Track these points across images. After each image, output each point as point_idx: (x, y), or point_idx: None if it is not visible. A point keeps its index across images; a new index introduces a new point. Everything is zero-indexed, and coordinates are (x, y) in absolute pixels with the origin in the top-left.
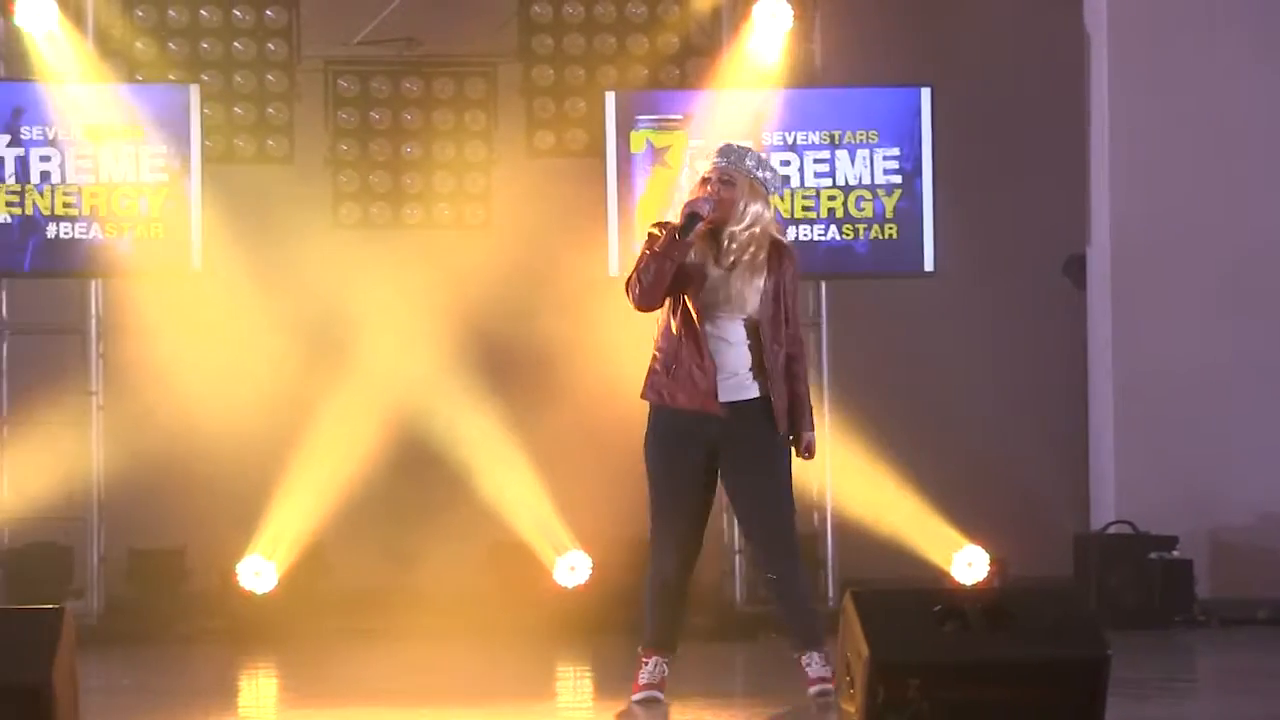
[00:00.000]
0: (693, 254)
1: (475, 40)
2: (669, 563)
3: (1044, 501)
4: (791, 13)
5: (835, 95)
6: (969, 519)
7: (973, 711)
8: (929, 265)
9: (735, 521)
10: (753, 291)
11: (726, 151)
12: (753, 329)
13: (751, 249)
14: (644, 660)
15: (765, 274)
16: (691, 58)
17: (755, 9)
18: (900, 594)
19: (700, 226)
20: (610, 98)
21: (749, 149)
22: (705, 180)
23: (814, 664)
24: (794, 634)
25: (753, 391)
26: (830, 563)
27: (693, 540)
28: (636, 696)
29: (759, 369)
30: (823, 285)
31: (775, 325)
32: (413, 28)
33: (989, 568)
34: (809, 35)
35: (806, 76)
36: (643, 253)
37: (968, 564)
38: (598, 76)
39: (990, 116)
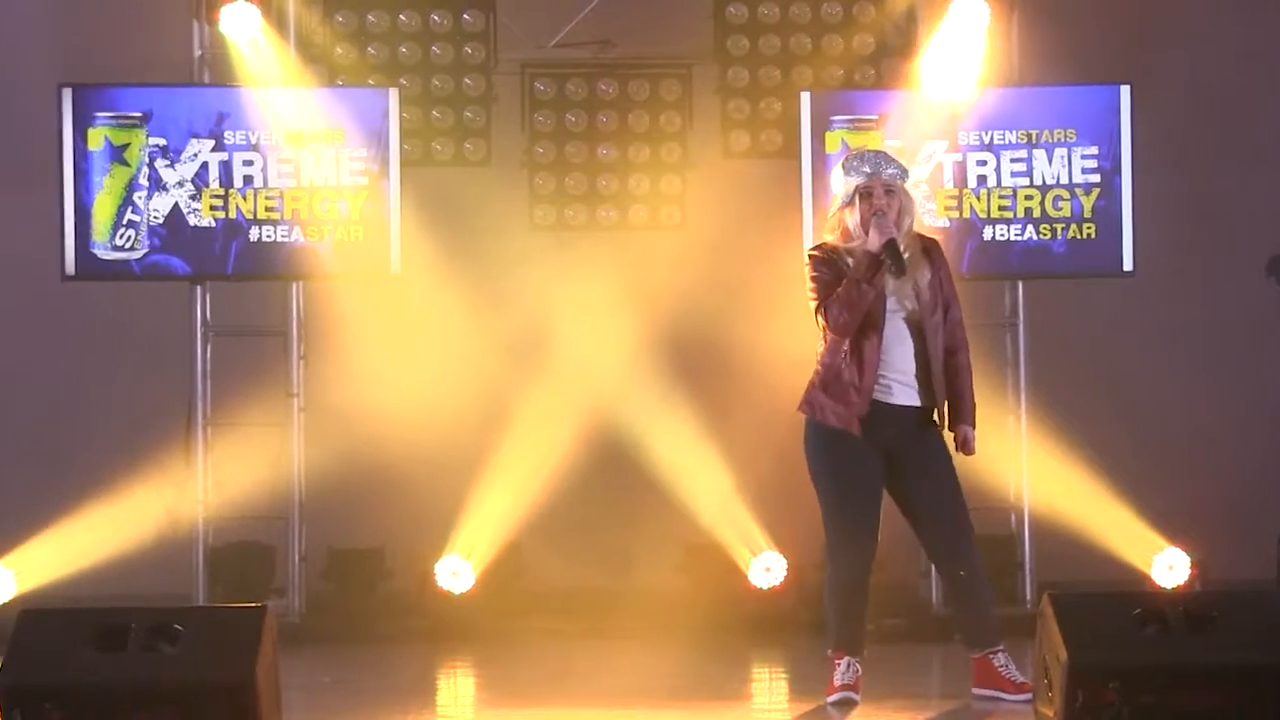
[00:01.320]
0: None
1: (670, 42)
2: (846, 565)
3: (1247, 503)
4: (988, 11)
5: (1032, 94)
6: (1170, 521)
7: (1173, 717)
8: (1128, 265)
9: None
10: (917, 290)
11: (876, 161)
12: (915, 328)
13: (911, 250)
14: (835, 662)
15: (925, 270)
16: (887, 58)
17: (952, 8)
18: (1099, 597)
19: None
20: (805, 98)
21: (882, 151)
22: (867, 194)
23: (1012, 668)
24: (980, 631)
25: (916, 398)
26: (1028, 565)
27: (867, 539)
28: (831, 698)
29: (924, 372)
30: (1019, 285)
31: (936, 320)
32: (608, 30)
33: (1190, 571)
34: (1006, 34)
35: (1003, 75)
36: (817, 279)
37: (1168, 567)
38: (793, 77)
39: (1192, 114)
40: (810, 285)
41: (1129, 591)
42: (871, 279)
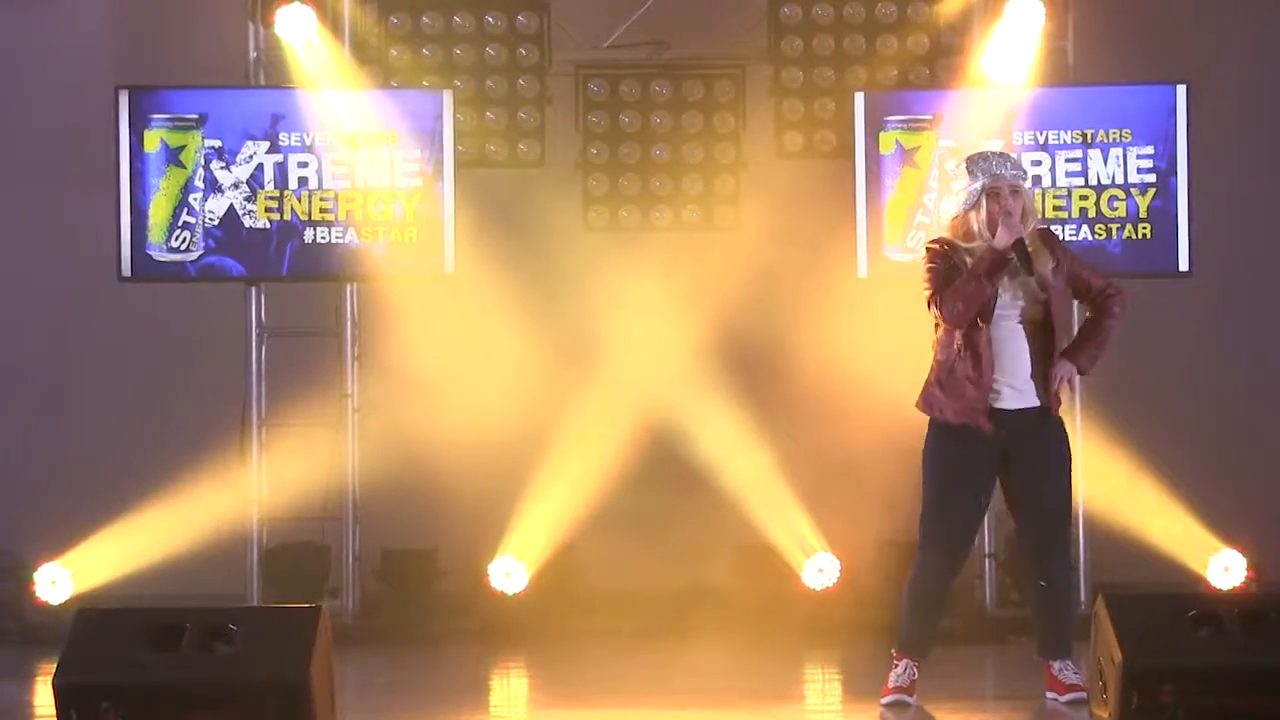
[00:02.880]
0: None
1: (724, 42)
2: (933, 569)
3: None
4: (1043, 11)
5: (1087, 94)
6: (1226, 522)
7: (1228, 719)
8: (1184, 265)
9: (988, 525)
10: (1044, 283)
11: (1002, 162)
12: (1033, 328)
13: (1034, 246)
14: (895, 663)
15: (1049, 260)
16: (941, 57)
17: (1006, 7)
18: (1155, 598)
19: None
20: (859, 98)
21: (1004, 152)
22: (994, 194)
23: (1067, 671)
24: (1050, 640)
25: (1033, 399)
26: (1083, 566)
27: (961, 547)
28: (885, 700)
29: (1040, 372)
30: None
31: (1067, 314)
32: (662, 30)
33: (1246, 573)
34: (1061, 33)
35: (1058, 75)
36: (934, 270)
37: (1224, 568)
38: (847, 77)
39: (1248, 114)
40: (925, 276)
41: (1184, 593)
42: (992, 276)
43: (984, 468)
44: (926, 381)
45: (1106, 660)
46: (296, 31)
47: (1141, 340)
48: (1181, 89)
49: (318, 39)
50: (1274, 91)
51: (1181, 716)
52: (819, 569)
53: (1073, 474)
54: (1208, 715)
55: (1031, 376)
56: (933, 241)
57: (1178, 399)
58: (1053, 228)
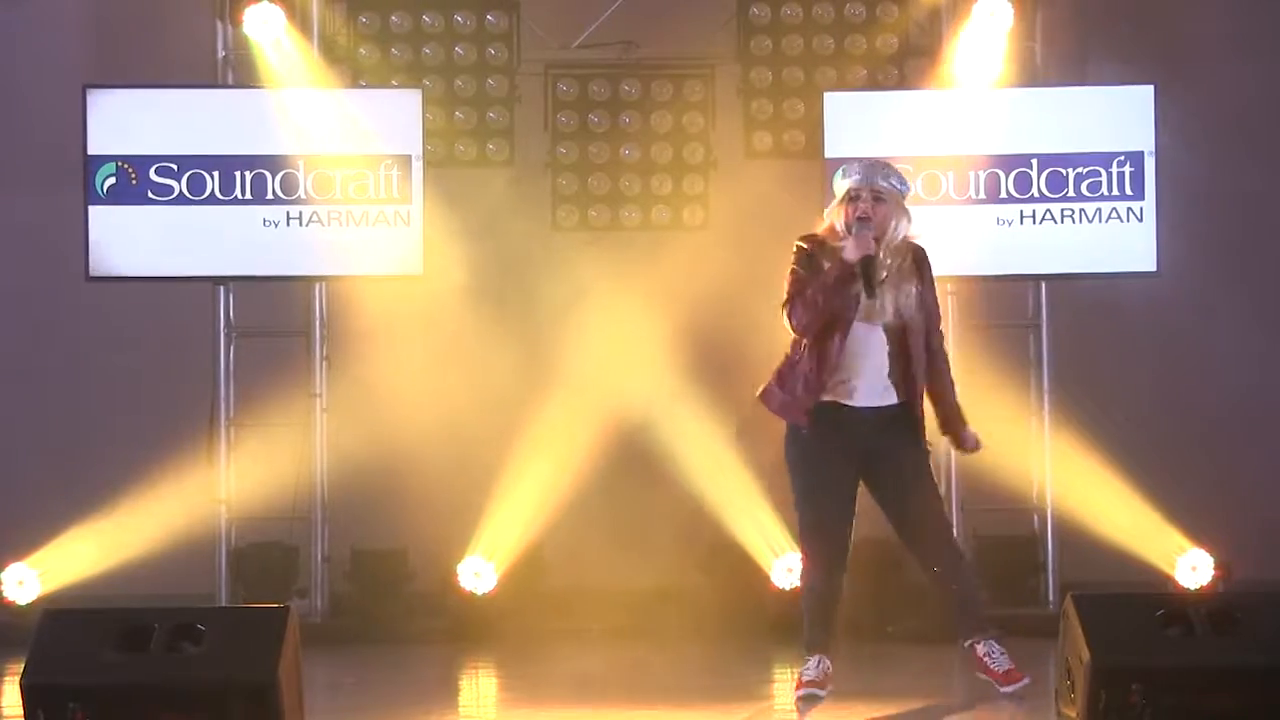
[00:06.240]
0: None
1: (693, 42)
2: (813, 567)
3: (1271, 505)
4: (1012, 11)
5: (1057, 94)
6: (1193, 522)
7: (1196, 718)
8: (1153, 264)
9: (956, 525)
10: (900, 298)
11: (868, 168)
12: (894, 336)
13: (898, 259)
14: (807, 659)
15: (913, 280)
16: (910, 58)
17: (975, 8)
18: (1122, 598)
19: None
20: (828, 98)
21: (883, 161)
22: (854, 198)
23: (995, 654)
24: (966, 621)
25: (891, 398)
26: (1051, 566)
27: (834, 541)
28: (799, 693)
29: (902, 375)
30: (1042, 286)
31: (921, 331)
32: (631, 31)
33: (1214, 572)
34: (1030, 34)
35: (1027, 75)
36: (795, 275)
37: (1192, 568)
38: (816, 78)
39: (1217, 113)
40: (787, 278)
41: (1152, 593)
42: (838, 289)
43: (838, 460)
44: (774, 373)
45: (1075, 660)
46: (265, 31)
47: (1109, 340)
48: (1150, 89)
49: (286, 38)
50: (1242, 88)
51: (1149, 716)
52: (788, 568)
53: (930, 468)
54: (1176, 714)
55: (889, 376)
56: (802, 238)
57: (1145, 399)
58: (1024, 226)
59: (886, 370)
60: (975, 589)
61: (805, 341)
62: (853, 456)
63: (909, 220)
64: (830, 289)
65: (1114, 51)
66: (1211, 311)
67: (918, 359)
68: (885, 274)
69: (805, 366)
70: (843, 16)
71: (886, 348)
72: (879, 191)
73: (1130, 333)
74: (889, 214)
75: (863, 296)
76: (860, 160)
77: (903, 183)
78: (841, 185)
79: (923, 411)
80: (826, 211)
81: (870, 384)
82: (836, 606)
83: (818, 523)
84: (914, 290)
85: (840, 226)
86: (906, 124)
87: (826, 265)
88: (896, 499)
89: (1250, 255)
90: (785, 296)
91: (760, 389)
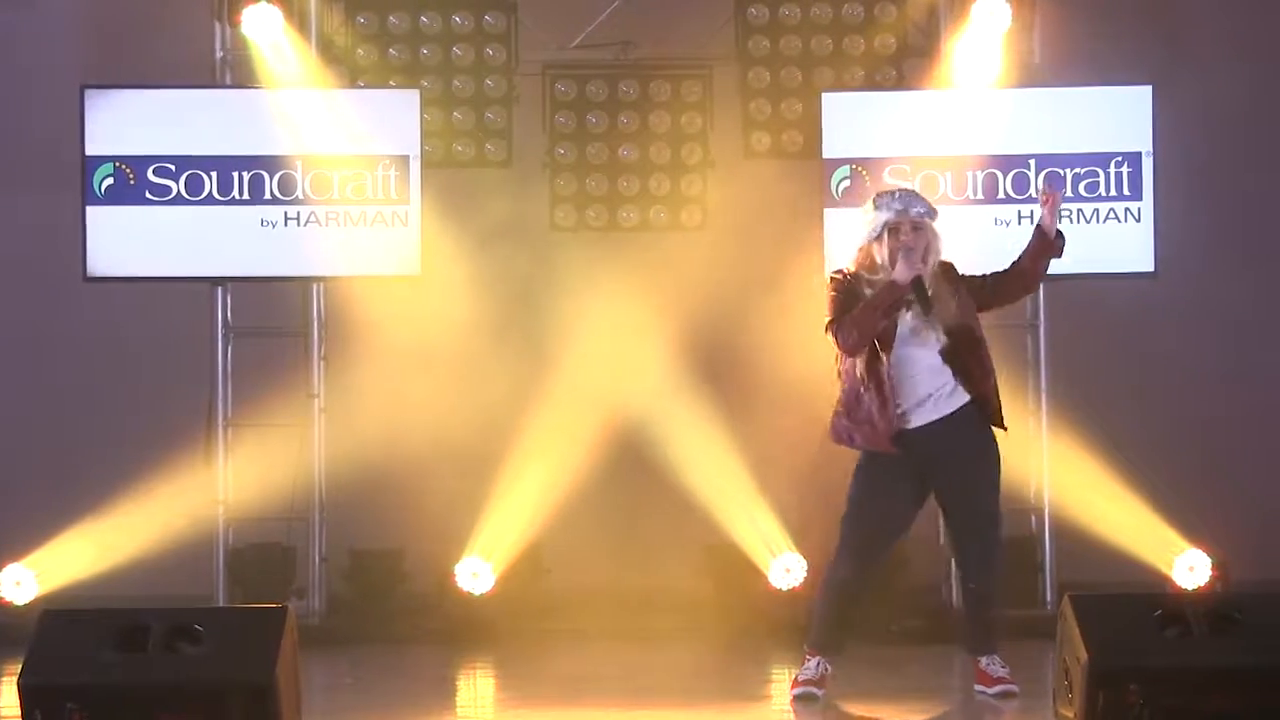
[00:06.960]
0: None
1: (691, 43)
2: (846, 571)
3: (1268, 505)
4: (1010, 11)
5: (1055, 94)
6: (1191, 522)
7: (1194, 719)
8: (1151, 265)
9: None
10: (946, 316)
11: (904, 200)
12: (948, 351)
13: (935, 284)
14: (807, 659)
15: (952, 296)
16: (908, 58)
17: (973, 8)
18: (1120, 598)
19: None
20: (826, 99)
21: (912, 190)
22: (895, 230)
23: (994, 665)
24: (979, 638)
25: (957, 402)
26: (1048, 566)
27: (874, 555)
28: (795, 692)
29: (966, 377)
30: (1040, 286)
31: (972, 328)
32: (629, 31)
33: (1212, 572)
34: (1028, 34)
35: (1025, 76)
36: (835, 299)
37: (1189, 568)
38: (814, 78)
39: (1217, 113)
40: (828, 304)
41: (1150, 593)
42: (889, 309)
43: (902, 486)
44: (835, 413)
45: (1072, 660)
46: (263, 31)
47: (1106, 340)
48: (1148, 89)
49: (284, 39)
50: (1241, 88)
51: (1147, 716)
52: (786, 569)
53: (998, 473)
54: (1173, 715)
55: (952, 382)
56: (836, 272)
57: (1143, 399)
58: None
59: (940, 383)
60: (991, 603)
61: (859, 372)
62: (913, 477)
63: (941, 243)
64: (882, 309)
65: (1111, 52)
66: (1209, 312)
67: (977, 358)
68: (933, 290)
69: (869, 401)
70: (841, 17)
71: (940, 365)
72: (916, 221)
73: (1128, 333)
74: (930, 242)
75: (910, 318)
76: (891, 193)
77: (932, 209)
78: (877, 219)
79: (997, 405)
80: (856, 244)
81: (927, 400)
82: (857, 604)
83: (860, 514)
84: (954, 303)
85: (881, 259)
86: (904, 124)
87: (867, 293)
88: (955, 512)
89: (1249, 256)
90: (829, 318)
91: (830, 430)
